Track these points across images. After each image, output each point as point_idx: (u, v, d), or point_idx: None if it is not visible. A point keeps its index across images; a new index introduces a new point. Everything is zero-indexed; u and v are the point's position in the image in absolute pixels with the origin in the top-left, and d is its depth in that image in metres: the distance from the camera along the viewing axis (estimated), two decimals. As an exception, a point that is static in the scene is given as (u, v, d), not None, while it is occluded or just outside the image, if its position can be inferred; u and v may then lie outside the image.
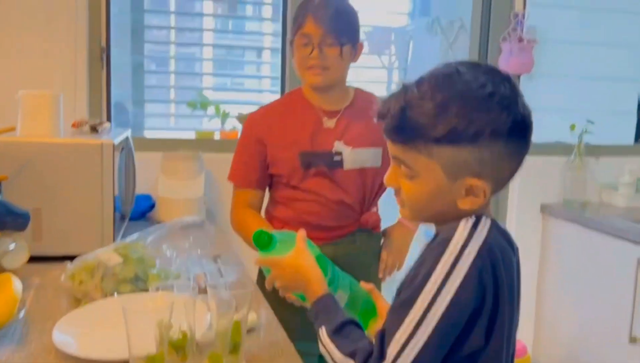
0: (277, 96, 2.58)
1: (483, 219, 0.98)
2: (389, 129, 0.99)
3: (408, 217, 1.06)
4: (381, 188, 1.79)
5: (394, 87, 1.03)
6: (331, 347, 1.00)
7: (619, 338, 2.37)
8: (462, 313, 0.93)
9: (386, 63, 4.08)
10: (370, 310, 1.19)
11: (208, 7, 3.14)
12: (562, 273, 2.75)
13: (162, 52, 3.04)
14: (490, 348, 0.96)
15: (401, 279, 1.05)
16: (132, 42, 2.79)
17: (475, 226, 0.96)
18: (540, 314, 2.81)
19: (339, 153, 1.70)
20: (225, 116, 2.63)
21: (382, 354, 0.93)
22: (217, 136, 2.63)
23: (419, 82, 0.97)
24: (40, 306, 1.32)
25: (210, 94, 2.88)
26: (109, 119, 2.42)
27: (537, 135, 1.02)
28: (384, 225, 1.88)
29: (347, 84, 1.77)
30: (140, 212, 2.25)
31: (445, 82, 0.95)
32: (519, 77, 2.75)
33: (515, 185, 2.73)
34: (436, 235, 0.99)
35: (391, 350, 0.92)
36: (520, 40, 2.72)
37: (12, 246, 1.25)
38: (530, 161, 1.03)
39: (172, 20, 3.16)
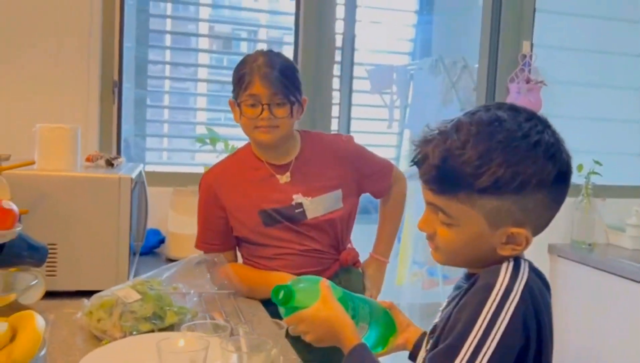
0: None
1: (522, 262, 0.98)
2: (429, 179, 0.97)
3: (441, 261, 1.05)
4: (350, 224, 1.81)
5: (425, 130, 1.01)
6: None
7: (632, 382, 2.34)
8: (509, 358, 0.91)
9: (387, 101, 4.11)
10: (390, 327, 1.21)
11: (204, 43, 3.18)
12: (570, 312, 2.72)
13: (161, 87, 3.05)
14: None
15: (437, 322, 1.04)
16: (136, 77, 2.80)
17: (516, 270, 0.95)
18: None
19: (300, 205, 1.70)
20: (233, 151, 2.62)
21: None
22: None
23: (458, 127, 0.95)
24: (58, 344, 1.29)
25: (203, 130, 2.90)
26: (118, 153, 2.41)
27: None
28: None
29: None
30: (149, 247, 2.23)
31: (487, 129, 0.93)
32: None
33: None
34: (475, 279, 0.97)
35: None
36: (528, 81, 2.75)
37: (34, 282, 1.22)
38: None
39: (168, 55, 3.18)
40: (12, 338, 1.13)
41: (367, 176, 1.84)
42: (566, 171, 0.96)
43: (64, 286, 1.57)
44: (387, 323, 1.21)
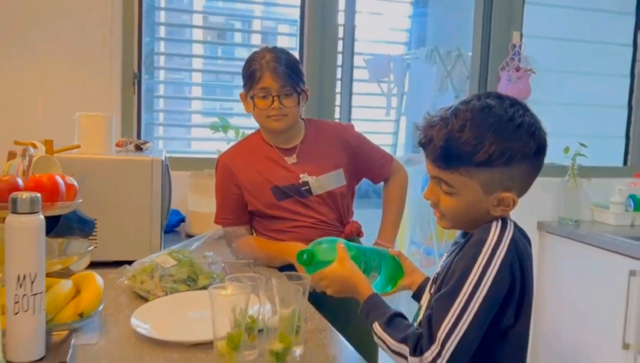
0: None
1: (509, 222, 1.18)
2: (434, 157, 1.18)
3: (446, 226, 1.26)
4: (351, 200, 2.03)
5: (427, 117, 1.21)
6: (385, 336, 1.18)
7: (613, 345, 2.55)
8: (497, 299, 1.12)
9: (385, 90, 4.27)
10: (398, 271, 1.44)
11: (198, 34, 3.35)
12: (558, 285, 2.93)
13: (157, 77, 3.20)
14: (519, 325, 1.15)
15: (439, 272, 1.25)
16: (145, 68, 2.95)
17: (503, 227, 1.16)
18: (537, 324, 2.98)
19: (306, 183, 1.91)
20: (244, 136, 2.81)
21: (431, 338, 1.11)
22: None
23: (456, 114, 1.16)
24: (108, 303, 1.47)
25: (200, 119, 3.05)
26: (139, 139, 2.59)
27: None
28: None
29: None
30: (170, 226, 2.42)
31: (480, 115, 1.15)
32: (516, 103, 2.97)
33: (514, 204, 2.94)
34: (470, 235, 1.18)
35: (440, 334, 1.10)
36: (518, 69, 2.94)
37: (91, 247, 1.41)
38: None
39: (162, 46, 3.31)
40: (76, 293, 1.32)
41: (366, 161, 2.03)
42: (544, 145, 1.18)
43: (104, 256, 1.76)
44: (395, 268, 1.44)
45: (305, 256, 1.33)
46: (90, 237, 1.71)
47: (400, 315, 1.22)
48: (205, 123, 3.03)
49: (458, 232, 1.31)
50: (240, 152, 1.99)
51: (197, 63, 3.44)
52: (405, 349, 1.14)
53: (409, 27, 4.26)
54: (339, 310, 1.62)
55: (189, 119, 3.37)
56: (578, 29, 3.20)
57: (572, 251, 2.84)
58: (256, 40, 3.52)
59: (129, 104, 2.54)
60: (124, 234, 1.79)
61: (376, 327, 1.20)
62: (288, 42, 3.28)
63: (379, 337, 1.19)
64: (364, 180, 2.10)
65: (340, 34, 3.13)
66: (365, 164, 2.03)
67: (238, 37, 3.66)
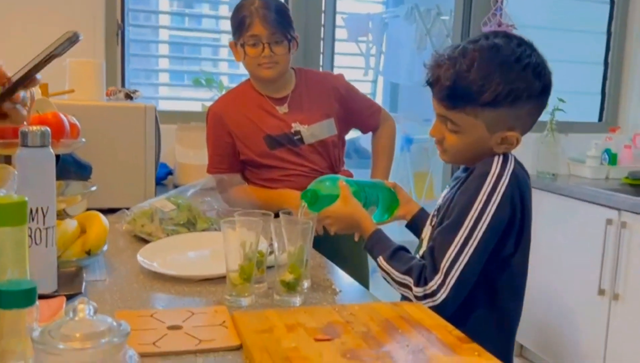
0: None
1: (509, 155, 1.22)
2: (442, 96, 1.20)
3: (448, 161, 1.30)
4: (343, 150, 2.05)
5: (435, 56, 1.23)
6: (390, 269, 1.22)
7: (589, 292, 2.66)
8: (498, 230, 1.17)
9: (364, 50, 4.26)
10: (394, 201, 1.50)
11: (164, 4, 3.29)
12: (536, 236, 3.01)
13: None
14: (519, 253, 1.20)
15: (440, 205, 1.28)
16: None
17: (505, 161, 1.20)
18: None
19: (298, 132, 1.92)
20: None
21: (435, 268, 1.16)
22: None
23: (464, 54, 1.18)
24: (110, 245, 1.48)
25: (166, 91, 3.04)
26: (123, 91, 2.57)
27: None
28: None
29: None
30: (157, 179, 2.41)
31: (487, 55, 1.16)
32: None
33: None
34: (473, 169, 1.21)
35: (443, 264, 1.15)
36: (500, 25, 2.97)
37: (93, 187, 1.41)
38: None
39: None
40: (82, 232, 1.33)
41: (356, 111, 2.05)
42: (549, 85, 1.21)
43: (100, 203, 1.75)
44: (391, 199, 1.50)
45: (309, 194, 1.36)
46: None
47: (404, 249, 1.26)
48: (179, 83, 3.00)
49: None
50: (231, 101, 1.99)
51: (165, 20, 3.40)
52: (409, 280, 1.18)
53: (387, -16, 4.24)
54: (334, 253, 1.66)
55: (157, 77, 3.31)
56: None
57: (551, 203, 2.92)
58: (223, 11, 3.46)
59: (112, 54, 2.51)
60: (119, 181, 1.79)
61: (381, 260, 1.24)
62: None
63: (384, 270, 1.23)
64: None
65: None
66: (355, 113, 2.05)
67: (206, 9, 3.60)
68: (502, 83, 1.14)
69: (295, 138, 1.92)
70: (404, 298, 1.24)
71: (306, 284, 1.25)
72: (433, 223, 1.30)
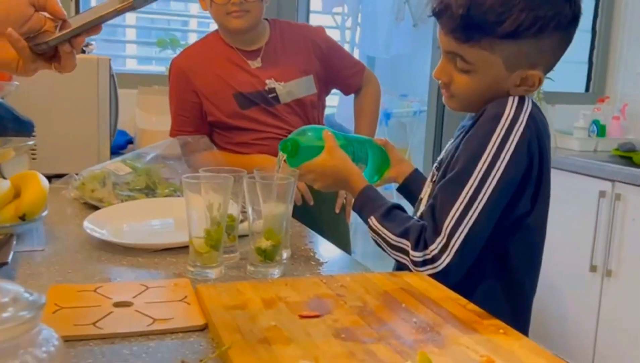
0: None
1: (526, 97, 1.03)
2: (452, 28, 0.99)
3: (455, 108, 1.09)
4: (323, 113, 1.84)
5: None
6: (383, 231, 1.02)
7: (581, 268, 2.51)
8: (513, 183, 0.98)
9: (339, 22, 4.08)
10: (384, 161, 1.29)
11: None
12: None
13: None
14: (535, 213, 1.01)
15: (442, 158, 1.09)
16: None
17: (521, 102, 1.01)
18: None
19: (272, 90, 1.71)
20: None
21: (436, 229, 0.96)
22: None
23: None
24: (54, 212, 1.26)
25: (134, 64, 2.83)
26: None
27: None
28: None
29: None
30: (117, 147, 2.19)
31: None
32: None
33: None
34: (482, 111, 1.02)
35: (446, 225, 0.95)
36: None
37: (31, 142, 1.19)
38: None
39: None
40: (17, 195, 1.12)
41: (338, 69, 1.84)
42: (578, 14, 1.01)
43: (45, 169, 1.52)
44: (382, 158, 1.28)
45: (289, 145, 1.14)
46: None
47: (399, 208, 1.07)
48: (148, 41, 2.77)
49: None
50: (196, 54, 1.76)
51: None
52: (406, 243, 0.99)
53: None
54: (312, 220, 1.47)
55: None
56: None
57: (538, 177, 2.76)
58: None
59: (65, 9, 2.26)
60: (68, 144, 1.57)
61: (372, 221, 1.05)
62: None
63: (376, 232, 1.04)
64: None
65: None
66: (337, 72, 1.84)
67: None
68: (526, 9, 0.94)
69: (270, 95, 1.71)
70: (398, 268, 1.05)
71: (285, 254, 1.05)
72: (434, 179, 1.10)
